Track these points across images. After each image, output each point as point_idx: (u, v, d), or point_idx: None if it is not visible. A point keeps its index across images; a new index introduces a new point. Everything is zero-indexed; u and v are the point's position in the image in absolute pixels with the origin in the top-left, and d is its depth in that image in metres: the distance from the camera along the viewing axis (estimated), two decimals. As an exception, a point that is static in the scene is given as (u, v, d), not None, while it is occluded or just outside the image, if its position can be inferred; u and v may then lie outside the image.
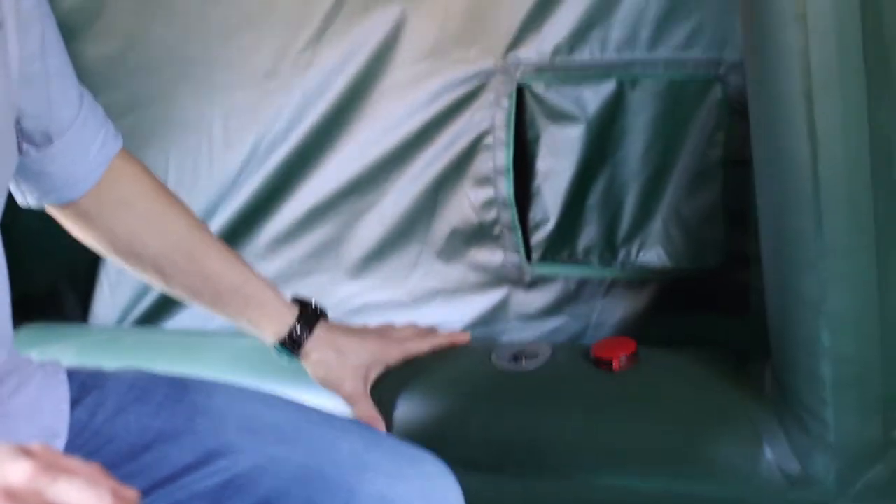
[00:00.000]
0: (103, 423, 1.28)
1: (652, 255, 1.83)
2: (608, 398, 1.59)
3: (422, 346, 1.62)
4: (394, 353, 1.58)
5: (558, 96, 1.82)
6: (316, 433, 1.32)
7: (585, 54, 1.78)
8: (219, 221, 2.05)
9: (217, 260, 1.44)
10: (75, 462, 0.79)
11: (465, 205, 1.91)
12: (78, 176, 1.34)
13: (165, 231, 1.41)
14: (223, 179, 2.04)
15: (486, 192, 1.89)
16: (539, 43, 1.79)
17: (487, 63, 1.83)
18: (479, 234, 1.91)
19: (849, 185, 1.30)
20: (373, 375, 1.55)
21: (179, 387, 1.33)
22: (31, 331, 2.08)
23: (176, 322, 2.16)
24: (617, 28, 1.75)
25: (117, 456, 1.26)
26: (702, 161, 1.78)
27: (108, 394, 1.31)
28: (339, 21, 1.89)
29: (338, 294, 2.01)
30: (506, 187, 1.87)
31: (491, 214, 1.89)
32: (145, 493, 1.25)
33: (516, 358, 1.66)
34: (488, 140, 1.87)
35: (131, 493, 0.80)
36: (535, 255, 1.89)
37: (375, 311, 1.97)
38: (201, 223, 1.47)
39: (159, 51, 2.03)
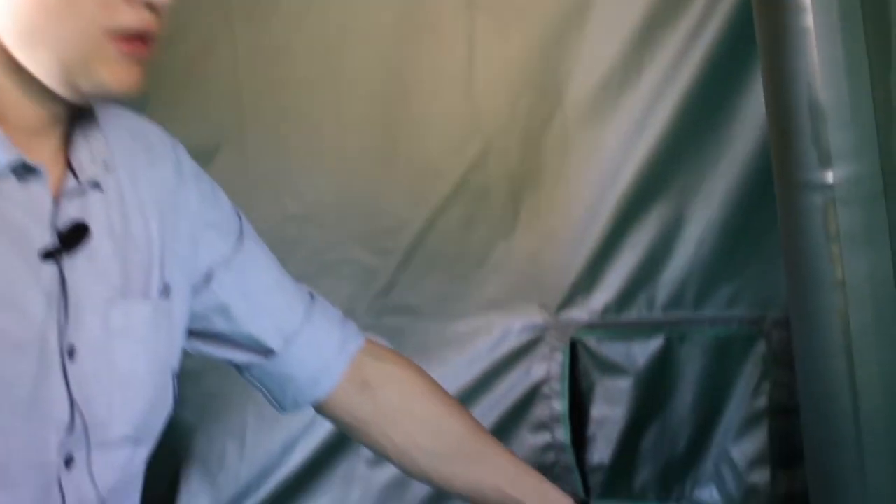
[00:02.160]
0: None
1: (705, 493, 1.94)
2: None
3: None
4: None
5: (609, 351, 1.96)
6: None
7: (633, 313, 1.94)
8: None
9: (495, 455, 1.38)
10: None
11: (525, 448, 2.03)
12: (319, 376, 1.34)
13: (442, 432, 1.37)
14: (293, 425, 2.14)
15: (544, 437, 2.02)
16: (589, 302, 1.95)
17: (542, 319, 1.98)
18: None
19: (888, 430, 1.40)
20: None
21: None
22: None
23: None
24: (663, 289, 1.91)
25: None
26: (748, 409, 1.90)
27: None
28: (407, 273, 2.05)
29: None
30: (563, 434, 1.99)
31: (549, 457, 2.01)
32: None
33: None
34: (545, 389, 2.00)
35: None
36: (594, 493, 2.00)
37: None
38: (474, 419, 1.41)
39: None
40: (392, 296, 2.06)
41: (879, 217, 1.36)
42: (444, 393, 1.40)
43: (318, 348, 1.35)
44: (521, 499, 1.36)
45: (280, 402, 1.38)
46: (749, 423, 1.90)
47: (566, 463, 1.99)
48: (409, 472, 1.40)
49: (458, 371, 2.04)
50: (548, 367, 1.99)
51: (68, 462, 1.08)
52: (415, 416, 1.37)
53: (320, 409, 1.38)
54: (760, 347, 1.87)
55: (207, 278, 1.28)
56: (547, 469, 2.00)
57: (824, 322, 1.41)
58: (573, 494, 1.38)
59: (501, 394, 2.03)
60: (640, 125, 1.84)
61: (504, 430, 2.03)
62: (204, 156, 2.07)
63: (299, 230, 2.07)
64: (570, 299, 1.95)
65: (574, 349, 1.98)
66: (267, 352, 1.33)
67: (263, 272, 1.35)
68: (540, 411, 2.01)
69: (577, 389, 2.00)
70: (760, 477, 1.89)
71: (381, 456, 1.39)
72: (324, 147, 2.03)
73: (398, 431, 1.36)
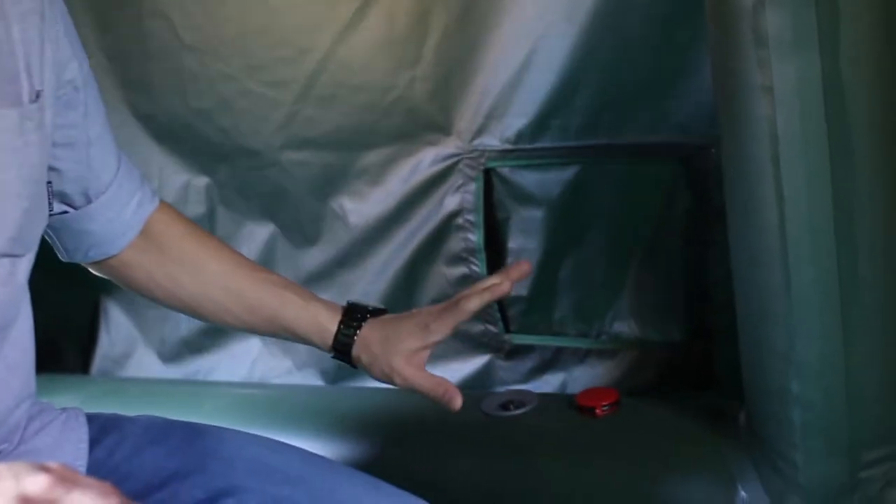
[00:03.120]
0: (120, 463, 1.34)
1: (623, 326, 1.93)
2: (590, 443, 1.68)
3: (462, 314, 1.44)
4: (438, 328, 1.44)
5: (524, 179, 1.92)
6: (319, 477, 1.37)
7: (548, 140, 1.87)
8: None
9: (252, 291, 1.46)
10: (89, 478, 0.85)
11: (442, 281, 2.01)
12: (116, 233, 1.40)
13: (200, 269, 1.44)
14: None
15: (460, 270, 1.99)
16: (503, 130, 1.89)
17: (454, 147, 1.93)
18: (458, 307, 1.99)
19: (814, 242, 1.39)
20: (424, 357, 1.45)
21: (192, 431, 1.39)
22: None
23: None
24: (578, 115, 1.84)
25: (132, 493, 1.30)
26: (665, 240, 1.88)
27: (126, 436, 1.37)
28: (307, 105, 1.99)
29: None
30: (479, 266, 1.97)
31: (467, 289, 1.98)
32: (157, 527, 1.31)
33: (505, 406, 1.74)
34: (459, 221, 1.97)
35: None
36: (513, 327, 1.99)
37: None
38: (237, 257, 1.49)
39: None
40: (292, 129, 2.01)
41: (809, 20, 1.32)
42: (203, 233, 1.47)
43: (120, 207, 1.38)
44: (293, 326, 1.45)
45: (70, 254, 1.40)
46: (665, 256, 1.89)
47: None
48: (179, 310, 1.48)
49: (370, 204, 2.02)
50: (461, 198, 1.95)
51: None
52: (173, 256, 1.43)
53: (100, 262, 1.42)
54: (678, 176, 1.82)
55: (69, 103, 1.26)
56: (465, 302, 1.98)
57: (751, 129, 1.38)
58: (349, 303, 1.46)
59: (415, 227, 2.00)
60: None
61: (419, 263, 2.02)
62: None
63: (197, 61, 2.01)
64: (483, 127, 1.89)
65: (488, 179, 1.94)
66: (82, 202, 1.34)
67: (100, 118, 1.35)
68: (455, 244, 1.98)
69: (492, 221, 1.97)
70: (676, 309, 1.90)
71: (150, 299, 1.46)
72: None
73: (157, 269, 1.42)
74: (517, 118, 1.87)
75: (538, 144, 1.88)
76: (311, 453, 1.43)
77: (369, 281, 2.03)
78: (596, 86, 1.80)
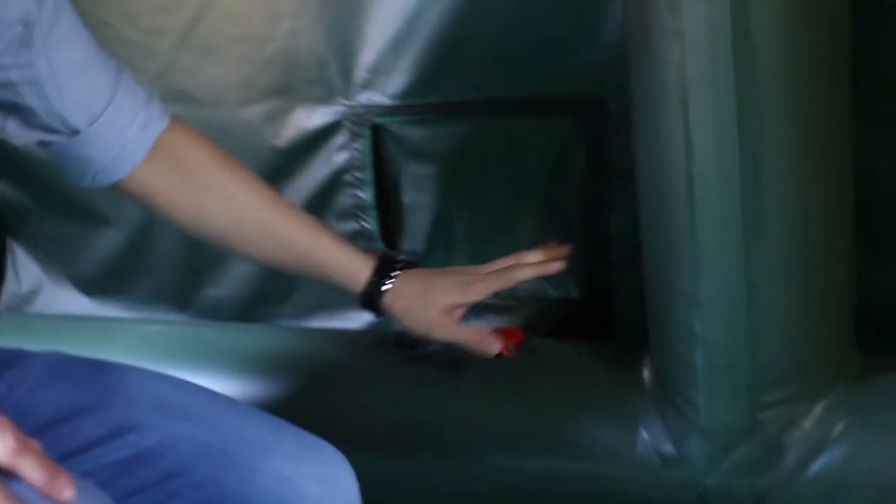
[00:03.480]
0: (21, 397, 1.31)
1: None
2: (496, 383, 1.68)
3: (508, 281, 1.50)
4: (480, 288, 1.49)
5: (414, 135, 1.90)
6: (222, 415, 1.36)
7: (437, 96, 1.85)
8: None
9: (285, 227, 1.44)
10: None
11: (333, 236, 1.99)
12: (119, 157, 1.36)
13: (229, 201, 1.41)
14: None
15: (351, 225, 1.98)
16: (390, 85, 1.86)
17: (338, 104, 1.90)
18: (351, 261, 1.98)
19: (719, 185, 1.41)
20: (460, 313, 1.49)
21: (96, 368, 1.37)
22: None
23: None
24: (469, 70, 1.81)
25: (33, 427, 1.25)
26: (561, 196, 1.89)
27: (28, 371, 1.34)
28: (184, 56, 1.94)
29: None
30: (371, 223, 1.97)
31: (359, 244, 1.96)
32: (57, 461, 1.28)
33: (412, 344, 1.73)
34: (347, 178, 1.95)
35: (34, 443, 0.87)
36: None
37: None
38: (269, 190, 1.45)
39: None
40: (169, 80, 1.95)
41: (720, -37, 1.35)
42: (234, 162, 1.43)
43: (120, 131, 1.34)
44: (326, 267, 1.44)
45: (78, 181, 1.37)
46: (561, 212, 1.90)
47: (377, 251, 1.96)
48: (206, 240, 1.45)
49: (252, 160, 1.91)
50: (349, 154, 1.93)
51: None
52: (201, 184, 1.40)
53: (116, 186, 1.38)
54: (573, 130, 1.83)
55: (23, 41, 1.23)
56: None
57: (661, 73, 1.40)
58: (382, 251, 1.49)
59: (302, 183, 1.97)
60: None
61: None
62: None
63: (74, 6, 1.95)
64: (368, 82, 1.86)
65: (377, 135, 1.92)
66: (71, 132, 1.31)
67: (78, 47, 1.32)
68: (344, 200, 1.97)
69: (383, 176, 1.96)
70: (574, 266, 1.90)
71: (179, 227, 1.42)
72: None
73: (183, 197, 1.39)
74: (404, 73, 1.83)
75: (427, 100, 1.86)
76: (215, 392, 1.42)
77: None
78: (487, 39, 1.78)
